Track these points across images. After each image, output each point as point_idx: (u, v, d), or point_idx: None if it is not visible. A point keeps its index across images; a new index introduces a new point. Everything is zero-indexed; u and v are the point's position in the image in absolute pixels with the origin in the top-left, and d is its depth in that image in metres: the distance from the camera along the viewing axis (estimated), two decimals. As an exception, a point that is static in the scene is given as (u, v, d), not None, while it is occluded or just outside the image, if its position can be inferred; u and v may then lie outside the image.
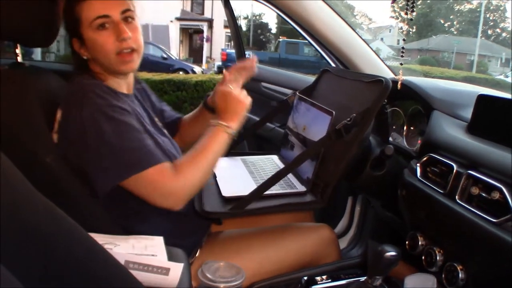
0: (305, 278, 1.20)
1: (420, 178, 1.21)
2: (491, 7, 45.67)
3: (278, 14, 1.85)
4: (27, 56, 4.66)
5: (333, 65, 1.86)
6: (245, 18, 34.70)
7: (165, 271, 0.78)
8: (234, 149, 1.56)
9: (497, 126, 1.12)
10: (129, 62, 1.11)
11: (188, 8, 27.26)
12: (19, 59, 1.23)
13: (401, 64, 1.46)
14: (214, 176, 1.33)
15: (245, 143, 2.18)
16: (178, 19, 24.04)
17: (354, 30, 1.82)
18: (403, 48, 1.50)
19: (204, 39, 25.46)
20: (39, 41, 1.19)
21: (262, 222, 1.46)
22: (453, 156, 1.15)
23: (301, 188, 1.27)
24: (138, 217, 1.14)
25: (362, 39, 1.83)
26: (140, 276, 0.74)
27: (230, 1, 2.37)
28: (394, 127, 1.61)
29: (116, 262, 0.63)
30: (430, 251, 1.15)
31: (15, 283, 0.42)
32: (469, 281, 1.03)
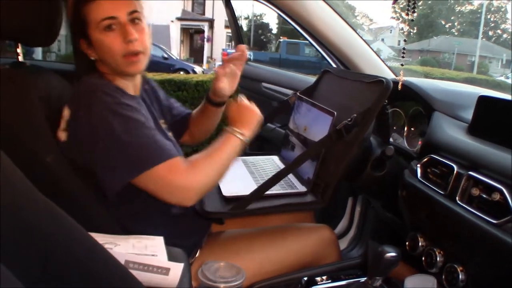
0: (305, 278, 1.20)
1: (421, 179, 1.21)
2: (492, 8, 45.67)
3: (279, 15, 1.85)
4: (28, 56, 4.66)
5: (334, 65, 1.86)
6: (246, 18, 34.70)
7: (165, 271, 0.78)
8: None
9: (498, 128, 1.12)
10: (135, 63, 1.10)
11: (189, 8, 27.29)
12: (20, 58, 1.23)
13: (402, 65, 1.46)
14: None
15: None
16: (179, 19, 24.06)
17: (355, 31, 1.82)
18: (404, 49, 1.50)
19: (205, 39, 25.48)
20: (40, 41, 1.19)
21: (263, 223, 1.46)
22: (454, 157, 1.15)
23: (301, 188, 1.27)
24: (139, 217, 1.14)
25: (363, 40, 1.83)
26: (140, 276, 0.74)
27: (231, 1, 2.37)
28: (394, 127, 1.61)
29: (116, 262, 0.64)
30: (430, 252, 1.15)
31: (15, 283, 0.42)
32: (469, 282, 1.03)
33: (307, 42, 1.93)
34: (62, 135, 1.07)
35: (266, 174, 1.39)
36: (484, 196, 1.01)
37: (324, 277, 1.20)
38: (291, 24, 1.86)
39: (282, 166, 1.49)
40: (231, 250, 1.26)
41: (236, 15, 2.59)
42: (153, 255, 0.83)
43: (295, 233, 1.37)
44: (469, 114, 1.24)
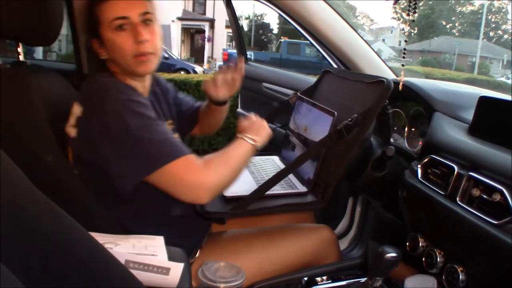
0: (305, 278, 1.20)
1: (421, 180, 1.21)
2: (493, 9, 45.65)
3: (280, 15, 1.85)
4: (29, 55, 4.66)
5: (334, 65, 1.86)
6: (246, 18, 34.71)
7: (166, 270, 0.78)
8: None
9: (498, 128, 1.12)
10: (145, 64, 1.11)
11: (190, 8, 27.30)
12: (21, 58, 1.23)
13: (403, 65, 1.46)
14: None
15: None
16: (179, 19, 24.07)
17: (356, 31, 1.82)
18: (404, 49, 1.50)
19: (206, 39, 25.49)
20: (41, 40, 1.19)
21: (263, 223, 1.46)
22: (454, 158, 1.15)
23: (302, 188, 1.27)
24: (139, 217, 1.14)
25: (364, 40, 1.83)
26: (140, 275, 0.74)
27: (232, 1, 2.37)
28: (395, 128, 1.61)
29: (116, 262, 0.64)
30: (431, 252, 1.15)
31: (16, 283, 0.42)
32: (469, 283, 1.03)
33: (308, 42, 1.93)
34: (72, 131, 1.07)
35: (267, 174, 1.39)
36: (484, 196, 1.01)
37: (324, 277, 1.20)
38: (292, 24, 1.86)
39: (282, 166, 1.49)
40: (231, 250, 1.26)
41: (237, 15, 2.59)
42: (153, 255, 0.83)
43: (295, 233, 1.37)
44: (469, 115, 1.24)
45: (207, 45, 25.84)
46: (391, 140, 1.60)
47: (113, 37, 1.08)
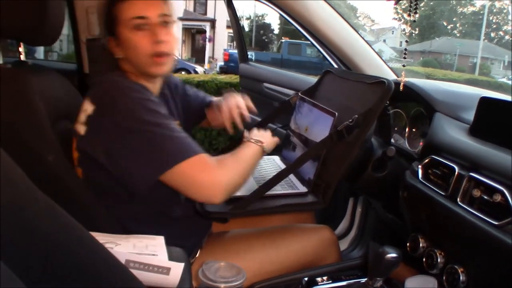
0: (306, 278, 1.20)
1: (422, 180, 1.21)
2: (494, 10, 45.56)
3: (281, 15, 1.85)
4: (30, 55, 4.67)
5: (335, 66, 1.86)
6: (247, 18, 34.67)
7: (166, 270, 0.78)
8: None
9: (499, 129, 1.12)
10: (161, 65, 1.12)
11: (191, 8, 27.29)
12: (22, 57, 1.23)
13: (404, 65, 1.46)
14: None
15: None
16: (180, 19, 24.04)
17: (357, 32, 1.82)
18: (405, 50, 1.50)
19: (207, 39, 25.49)
20: (42, 40, 1.19)
21: (263, 223, 1.46)
22: (455, 158, 1.15)
23: (302, 188, 1.27)
24: (139, 217, 1.14)
25: (365, 41, 1.83)
26: (141, 275, 0.74)
27: (233, 2, 2.38)
28: (396, 128, 1.61)
29: (117, 262, 0.63)
30: (431, 253, 1.15)
31: (16, 282, 0.42)
32: (470, 284, 1.03)
33: (309, 42, 1.94)
34: (81, 129, 1.07)
35: (267, 174, 1.38)
36: (485, 197, 1.01)
37: (325, 278, 1.20)
38: (293, 25, 1.86)
39: (283, 166, 1.49)
40: (232, 250, 1.26)
41: (238, 15, 2.59)
42: (153, 254, 0.83)
43: (295, 234, 1.37)
44: (470, 115, 1.24)
45: (208, 45, 25.85)
46: (392, 140, 1.59)
47: (130, 36, 1.09)
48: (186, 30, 26.24)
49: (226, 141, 4.05)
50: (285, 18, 1.85)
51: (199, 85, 3.84)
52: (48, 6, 1.11)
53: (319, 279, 1.19)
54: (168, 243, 0.89)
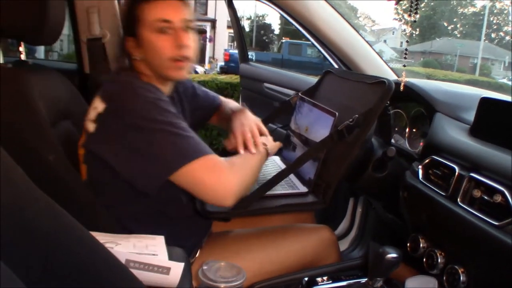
0: (306, 279, 1.20)
1: (422, 180, 1.21)
2: (495, 11, 45.53)
3: (282, 15, 1.85)
4: (30, 55, 4.66)
5: (336, 66, 1.86)
6: (248, 18, 34.66)
7: (166, 270, 0.78)
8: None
9: (500, 129, 1.12)
10: (180, 69, 1.12)
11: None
12: (23, 57, 1.23)
13: (404, 66, 1.46)
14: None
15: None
16: (181, 19, 24.02)
17: (357, 32, 1.82)
18: (406, 50, 1.50)
19: (207, 39, 25.48)
20: (43, 40, 1.19)
21: (263, 223, 1.46)
22: (455, 159, 1.15)
23: (302, 188, 1.27)
24: (139, 217, 1.14)
25: (365, 41, 1.83)
26: (141, 275, 0.74)
27: (234, 2, 2.38)
28: (396, 129, 1.61)
29: (117, 261, 0.63)
30: (432, 253, 1.15)
31: (16, 282, 0.42)
32: (470, 284, 1.03)
33: (309, 43, 1.94)
34: (90, 126, 1.06)
35: (268, 174, 1.38)
36: (485, 197, 1.01)
37: (325, 278, 1.20)
38: (294, 25, 1.86)
39: (283, 166, 1.49)
40: (232, 250, 1.26)
41: (239, 16, 2.59)
42: (153, 254, 0.83)
43: (295, 234, 1.37)
44: (471, 116, 1.24)
45: (209, 45, 25.83)
46: (392, 140, 1.59)
47: (153, 38, 1.09)
48: (187, 30, 26.22)
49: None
50: (286, 18, 1.85)
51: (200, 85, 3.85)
52: (48, 5, 1.11)
53: (319, 279, 1.19)
54: (168, 243, 0.89)
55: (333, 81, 1.60)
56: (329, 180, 1.21)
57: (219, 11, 25.12)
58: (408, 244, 1.25)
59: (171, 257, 0.84)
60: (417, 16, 1.23)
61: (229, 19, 2.48)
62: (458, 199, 1.06)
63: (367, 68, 1.76)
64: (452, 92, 1.51)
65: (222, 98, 1.54)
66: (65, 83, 1.29)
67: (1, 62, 1.33)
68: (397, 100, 1.59)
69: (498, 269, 0.97)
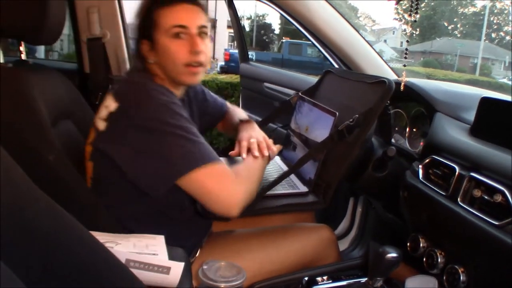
0: (306, 278, 1.20)
1: (422, 180, 1.21)
2: (495, 10, 45.48)
3: (282, 15, 1.85)
4: (31, 55, 4.66)
5: (336, 66, 1.86)
6: (248, 18, 34.64)
7: (166, 270, 0.78)
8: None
9: (500, 129, 1.12)
10: (194, 75, 1.13)
11: (192, 8, 27.25)
12: (23, 56, 1.23)
13: (404, 66, 1.46)
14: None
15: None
16: (181, 19, 24.02)
17: (358, 32, 1.82)
18: (406, 50, 1.50)
19: (207, 39, 25.45)
20: (43, 39, 1.19)
21: (263, 222, 1.46)
22: (456, 159, 1.15)
23: (303, 188, 1.27)
24: (139, 217, 1.14)
25: (366, 41, 1.83)
26: (141, 274, 0.74)
27: (234, 1, 2.38)
28: (396, 128, 1.61)
29: (117, 261, 0.63)
30: (432, 253, 1.15)
31: (17, 282, 0.42)
32: (470, 284, 1.03)
33: (310, 42, 1.94)
34: (101, 124, 1.07)
35: (268, 174, 1.38)
36: (485, 197, 1.01)
37: (325, 277, 1.19)
38: (294, 25, 1.86)
39: (283, 166, 1.49)
40: (232, 250, 1.26)
41: (239, 15, 2.59)
42: (154, 254, 0.83)
43: (295, 233, 1.37)
44: (471, 116, 1.24)
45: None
46: (392, 140, 1.59)
47: (167, 43, 1.09)
48: (187, 30, 26.22)
49: (226, 141, 4.05)
50: (286, 18, 1.85)
51: (200, 85, 3.85)
52: (49, 5, 1.11)
53: (319, 278, 1.19)
54: (168, 243, 0.89)
55: (333, 80, 1.60)
56: (329, 180, 1.21)
57: (219, 11, 25.10)
58: (408, 244, 1.25)
59: (171, 257, 0.84)
60: (417, 16, 1.23)
61: (229, 19, 2.48)
62: (458, 199, 1.06)
63: (367, 68, 1.76)
64: (452, 92, 1.51)
65: (229, 105, 1.55)
66: (65, 83, 1.29)
67: (1, 61, 1.33)
68: (397, 100, 1.59)
69: (498, 269, 0.97)
